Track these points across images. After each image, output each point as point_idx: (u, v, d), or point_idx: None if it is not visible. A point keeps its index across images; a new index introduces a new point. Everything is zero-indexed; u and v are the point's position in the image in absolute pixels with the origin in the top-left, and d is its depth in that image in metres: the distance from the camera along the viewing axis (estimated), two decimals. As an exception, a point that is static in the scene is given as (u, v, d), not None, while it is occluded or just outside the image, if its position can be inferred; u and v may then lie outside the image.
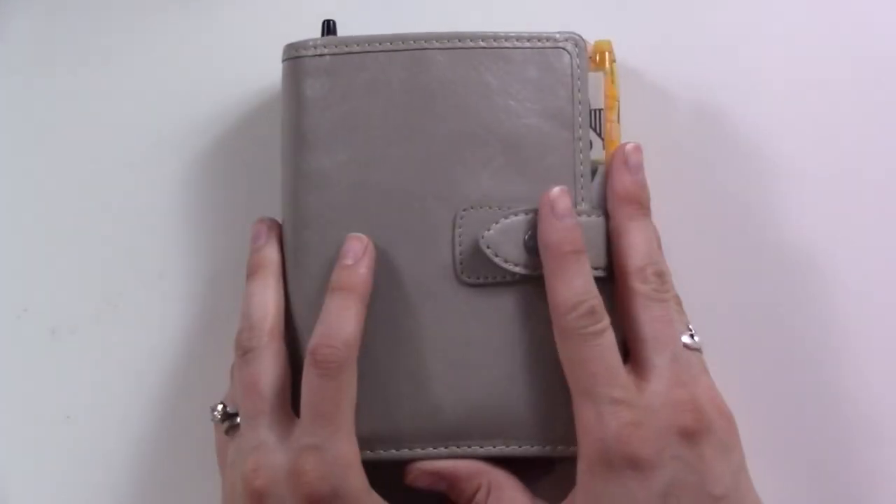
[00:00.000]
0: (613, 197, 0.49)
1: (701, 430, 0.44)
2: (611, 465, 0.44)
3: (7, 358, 0.58)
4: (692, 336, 0.47)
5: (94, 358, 0.57)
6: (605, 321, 0.46)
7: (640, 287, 0.47)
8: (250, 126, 0.57)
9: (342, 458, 0.45)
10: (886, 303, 0.54)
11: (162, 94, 0.58)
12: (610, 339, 0.46)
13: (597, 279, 0.48)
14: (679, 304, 0.49)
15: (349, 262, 0.48)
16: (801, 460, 0.53)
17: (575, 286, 0.46)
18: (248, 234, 0.54)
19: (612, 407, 0.44)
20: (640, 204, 0.49)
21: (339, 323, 0.46)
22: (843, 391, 0.54)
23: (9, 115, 0.59)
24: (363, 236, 0.48)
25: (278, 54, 0.52)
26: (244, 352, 0.48)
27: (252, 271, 0.50)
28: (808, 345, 0.54)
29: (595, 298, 0.46)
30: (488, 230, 0.48)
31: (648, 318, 0.47)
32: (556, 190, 0.48)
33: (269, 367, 0.48)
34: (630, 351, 0.47)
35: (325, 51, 0.50)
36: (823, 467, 0.53)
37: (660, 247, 0.49)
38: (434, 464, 0.48)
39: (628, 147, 0.50)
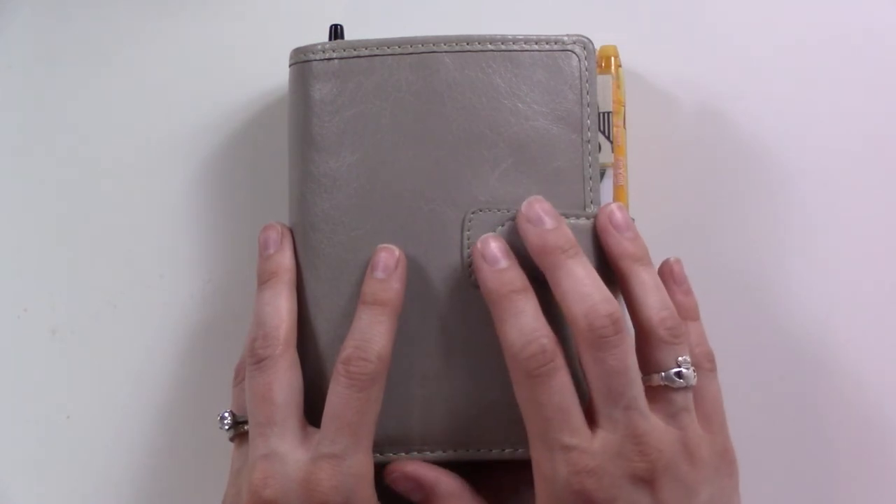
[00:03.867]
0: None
1: (656, 477, 0.44)
2: None
3: (7, 358, 0.58)
4: (679, 374, 0.45)
5: (94, 358, 0.57)
6: (558, 360, 0.44)
7: (589, 336, 0.44)
8: (252, 128, 0.57)
9: (358, 470, 0.45)
10: (890, 302, 0.55)
11: (166, 96, 0.58)
12: (563, 380, 0.44)
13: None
14: (678, 333, 0.46)
15: (381, 275, 0.48)
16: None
17: (521, 325, 0.45)
18: (248, 234, 0.54)
19: (563, 454, 0.43)
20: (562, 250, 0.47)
21: (373, 336, 0.46)
22: (845, 394, 0.54)
23: (10, 114, 0.59)
24: (395, 248, 0.48)
25: (284, 58, 0.52)
26: (258, 360, 0.48)
27: (265, 278, 0.50)
28: (813, 347, 0.54)
29: (544, 336, 0.44)
30: (495, 232, 0.49)
31: (601, 371, 0.44)
32: (480, 240, 0.47)
33: (283, 375, 0.47)
34: (588, 396, 0.46)
35: (334, 55, 0.50)
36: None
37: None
38: (418, 468, 0.48)
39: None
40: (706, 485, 0.45)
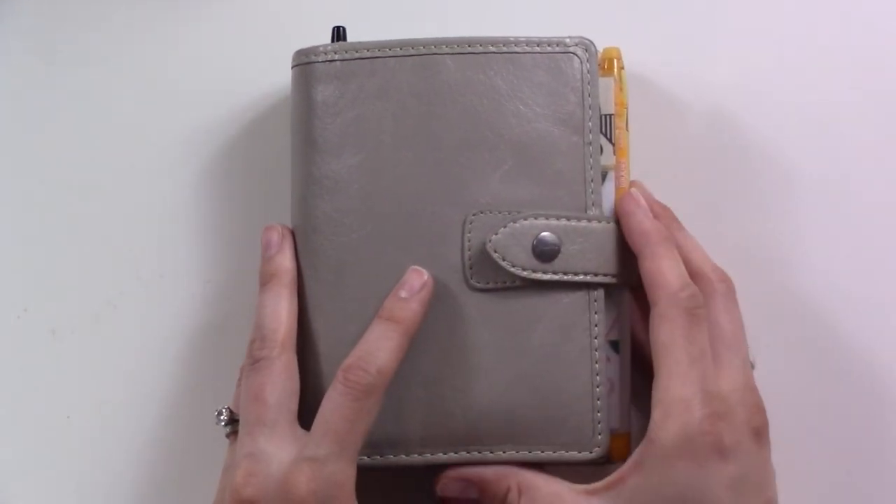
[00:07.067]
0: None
1: (766, 432, 0.46)
2: (693, 451, 0.44)
3: (7, 358, 0.57)
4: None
5: (94, 358, 0.57)
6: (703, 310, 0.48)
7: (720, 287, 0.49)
8: (252, 129, 0.57)
9: (338, 478, 0.45)
10: (891, 302, 0.55)
11: (167, 97, 0.58)
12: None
13: (605, 285, 0.49)
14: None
15: (404, 294, 0.48)
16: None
17: (680, 269, 0.48)
18: (249, 235, 0.54)
19: (702, 397, 0.45)
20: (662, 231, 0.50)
21: (378, 350, 0.46)
22: (844, 394, 0.55)
23: (10, 114, 0.59)
24: (424, 271, 0.48)
25: (287, 60, 0.52)
26: (254, 361, 0.48)
27: (265, 280, 0.50)
28: (813, 347, 0.55)
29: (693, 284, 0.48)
30: (496, 234, 0.49)
31: (728, 318, 0.48)
32: (634, 189, 0.50)
33: (277, 377, 0.47)
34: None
35: (336, 56, 0.50)
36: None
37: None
38: (460, 471, 0.49)
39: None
40: None
